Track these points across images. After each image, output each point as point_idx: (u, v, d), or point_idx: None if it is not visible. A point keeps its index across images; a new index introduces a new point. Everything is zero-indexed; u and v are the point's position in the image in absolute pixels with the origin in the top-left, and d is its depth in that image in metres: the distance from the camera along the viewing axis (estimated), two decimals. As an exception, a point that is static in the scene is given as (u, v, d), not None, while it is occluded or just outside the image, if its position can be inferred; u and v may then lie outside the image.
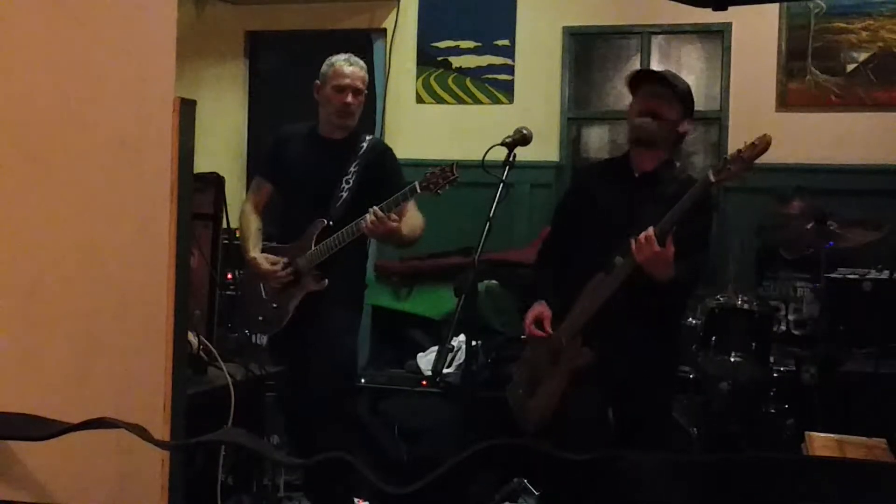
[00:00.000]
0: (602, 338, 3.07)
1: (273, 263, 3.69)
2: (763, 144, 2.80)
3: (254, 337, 3.90)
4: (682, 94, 3.17)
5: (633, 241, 2.90)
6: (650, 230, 2.86)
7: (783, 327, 4.47)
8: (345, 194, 3.65)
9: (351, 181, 3.67)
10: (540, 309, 3.22)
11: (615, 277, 3.01)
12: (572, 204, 3.41)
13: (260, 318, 3.78)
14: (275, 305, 3.72)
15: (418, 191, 3.41)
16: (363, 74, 3.74)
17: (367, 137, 3.80)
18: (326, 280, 3.63)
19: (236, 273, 4.35)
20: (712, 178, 2.85)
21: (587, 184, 3.40)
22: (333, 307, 3.66)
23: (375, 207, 3.44)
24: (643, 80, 3.21)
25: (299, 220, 3.71)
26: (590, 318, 3.08)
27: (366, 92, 3.79)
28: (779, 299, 4.53)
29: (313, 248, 3.62)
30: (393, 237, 3.56)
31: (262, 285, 3.77)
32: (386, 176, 3.71)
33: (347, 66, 3.69)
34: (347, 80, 3.67)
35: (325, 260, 3.61)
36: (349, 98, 3.66)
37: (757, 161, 2.85)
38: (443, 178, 3.39)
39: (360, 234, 3.53)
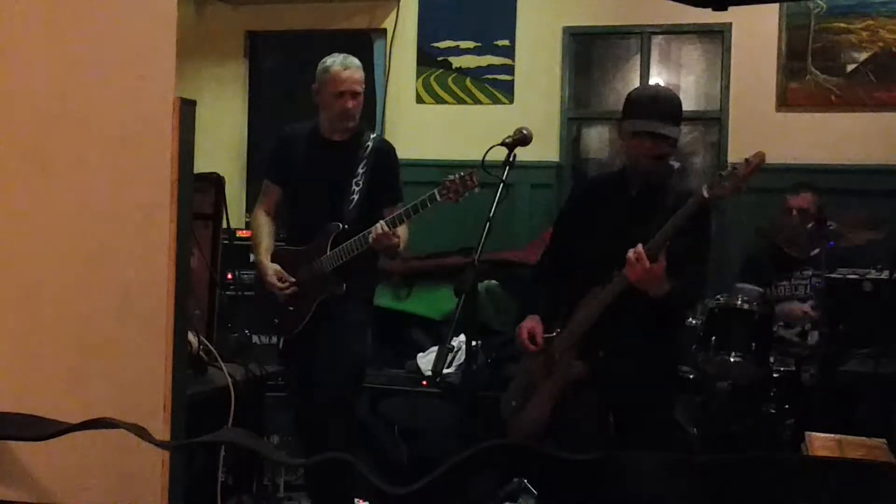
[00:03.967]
0: (599, 348, 3.06)
1: (280, 279, 3.68)
2: (757, 161, 2.78)
3: (254, 337, 3.90)
4: (680, 119, 3.10)
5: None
6: (640, 247, 2.84)
7: (800, 327, 4.47)
8: (356, 196, 3.65)
9: (361, 183, 3.67)
10: (532, 323, 3.20)
11: (609, 291, 2.99)
12: (570, 222, 3.36)
13: (276, 320, 3.78)
14: (291, 309, 3.72)
15: (438, 198, 3.40)
16: (360, 75, 3.71)
17: (372, 136, 3.80)
18: (345, 285, 3.63)
19: (237, 273, 4.36)
20: (706, 195, 2.83)
21: (584, 202, 3.34)
22: (348, 307, 3.67)
23: (382, 222, 3.45)
24: (648, 117, 3.03)
25: (310, 223, 3.71)
26: (585, 331, 3.07)
27: (364, 87, 3.78)
28: (793, 298, 4.53)
29: (329, 252, 3.62)
30: (391, 251, 3.59)
31: None
32: (391, 177, 3.73)
33: (343, 70, 3.66)
34: (345, 86, 3.65)
35: (340, 264, 3.62)
36: (349, 104, 3.65)
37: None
38: (463, 186, 3.37)
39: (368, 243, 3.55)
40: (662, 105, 3.06)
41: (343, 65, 3.68)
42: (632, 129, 3.06)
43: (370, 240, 3.48)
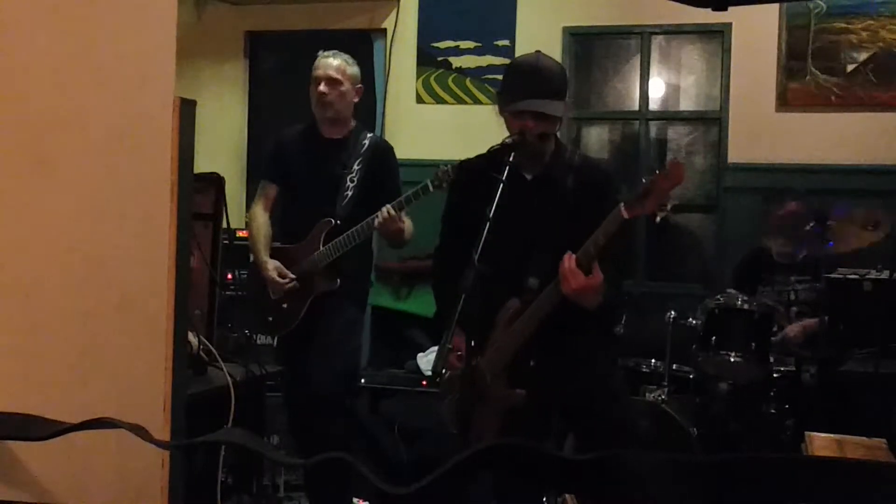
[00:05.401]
0: (530, 357, 2.83)
1: (281, 276, 3.68)
2: (676, 173, 2.51)
3: (254, 337, 3.90)
4: (564, 93, 2.87)
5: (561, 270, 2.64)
6: (572, 260, 2.62)
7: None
8: (350, 193, 3.67)
9: (355, 180, 3.69)
10: (457, 340, 2.78)
11: (535, 312, 2.76)
12: (462, 216, 2.98)
13: (270, 318, 3.78)
14: (285, 306, 3.72)
15: (431, 189, 3.41)
16: (341, 65, 3.72)
17: (368, 135, 3.82)
18: (339, 280, 3.64)
19: (237, 273, 4.36)
20: (625, 215, 2.55)
21: (475, 191, 2.86)
22: (342, 306, 3.68)
23: (388, 206, 3.46)
24: (531, 95, 2.80)
25: (304, 220, 3.72)
26: (514, 355, 2.84)
27: (358, 86, 3.79)
28: (777, 303, 4.52)
29: (322, 247, 3.63)
30: (398, 237, 3.59)
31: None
32: (387, 175, 3.74)
33: (324, 58, 3.73)
34: (320, 71, 3.71)
35: (334, 259, 3.62)
36: (322, 87, 3.68)
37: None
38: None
39: (370, 233, 3.55)
40: (544, 80, 2.82)
41: (325, 55, 3.75)
42: (514, 110, 2.82)
43: (375, 224, 3.48)
